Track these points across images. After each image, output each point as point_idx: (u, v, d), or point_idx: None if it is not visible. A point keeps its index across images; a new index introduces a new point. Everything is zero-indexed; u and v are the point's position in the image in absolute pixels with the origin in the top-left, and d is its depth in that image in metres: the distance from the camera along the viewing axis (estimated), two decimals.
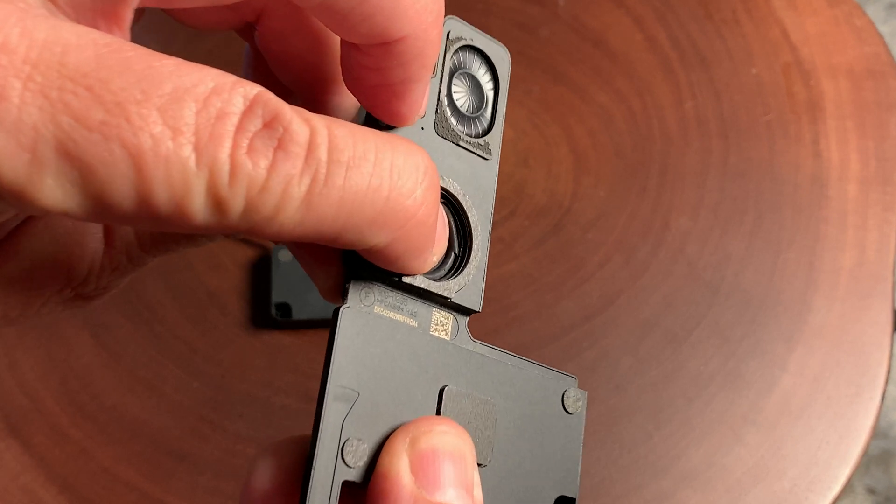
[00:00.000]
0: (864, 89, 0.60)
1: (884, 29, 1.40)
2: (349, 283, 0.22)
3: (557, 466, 0.25)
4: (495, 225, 0.56)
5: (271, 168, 0.18)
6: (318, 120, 0.19)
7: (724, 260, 0.55)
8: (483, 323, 0.52)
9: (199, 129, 0.17)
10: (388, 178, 0.19)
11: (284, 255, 0.53)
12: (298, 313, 0.52)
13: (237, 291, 0.54)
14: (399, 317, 0.23)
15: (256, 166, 0.17)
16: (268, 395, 0.52)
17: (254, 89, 0.18)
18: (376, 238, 0.20)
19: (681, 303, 0.54)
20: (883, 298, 0.54)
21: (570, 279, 0.55)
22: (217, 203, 0.17)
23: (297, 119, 0.18)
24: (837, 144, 0.59)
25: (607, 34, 0.62)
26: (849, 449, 0.51)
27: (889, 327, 0.54)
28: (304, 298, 0.52)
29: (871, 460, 1.09)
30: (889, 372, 0.53)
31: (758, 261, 0.55)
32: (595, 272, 0.55)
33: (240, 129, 0.17)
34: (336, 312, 0.22)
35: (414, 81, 0.22)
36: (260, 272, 0.55)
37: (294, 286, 0.52)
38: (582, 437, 0.26)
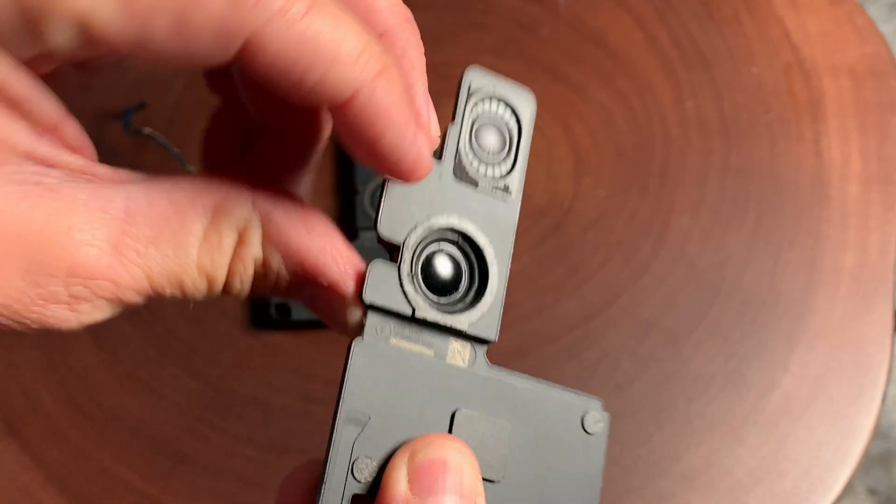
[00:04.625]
0: (866, 89, 0.60)
1: (885, 28, 1.39)
2: (366, 317, 0.23)
3: (577, 488, 0.25)
4: None
5: None
6: None
7: (725, 260, 0.55)
8: None
9: None
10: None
11: None
12: (298, 313, 0.52)
13: None
14: (415, 347, 0.24)
15: None
16: (267, 396, 0.51)
17: None
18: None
19: (681, 303, 0.54)
20: (884, 299, 0.54)
21: (571, 279, 0.55)
22: None
23: None
24: (839, 144, 0.59)
25: (608, 33, 0.62)
26: (850, 449, 0.51)
27: (890, 327, 0.54)
28: None
29: (872, 461, 1.09)
30: (890, 372, 0.53)
31: (759, 261, 0.55)
32: (595, 272, 0.55)
33: None
34: (349, 346, 0.23)
35: (380, 138, 0.21)
36: None
37: None
38: (603, 458, 0.26)
